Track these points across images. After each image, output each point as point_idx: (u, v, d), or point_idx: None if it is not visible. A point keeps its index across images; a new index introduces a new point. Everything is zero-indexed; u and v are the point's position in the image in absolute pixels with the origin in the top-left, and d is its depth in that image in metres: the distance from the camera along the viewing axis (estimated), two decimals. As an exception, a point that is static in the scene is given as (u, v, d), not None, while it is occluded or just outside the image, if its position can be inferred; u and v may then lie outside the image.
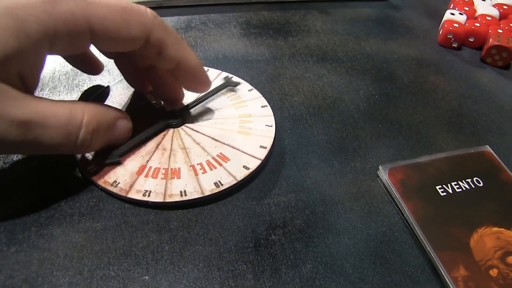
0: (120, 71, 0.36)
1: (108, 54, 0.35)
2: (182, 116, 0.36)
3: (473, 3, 0.57)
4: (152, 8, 0.49)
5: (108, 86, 0.39)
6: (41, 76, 0.38)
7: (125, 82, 0.38)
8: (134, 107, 0.37)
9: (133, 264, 0.27)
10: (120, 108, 0.36)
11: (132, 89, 0.38)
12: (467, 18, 0.53)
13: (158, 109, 0.37)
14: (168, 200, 0.30)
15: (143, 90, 0.37)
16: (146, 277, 0.27)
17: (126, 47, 0.28)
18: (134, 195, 0.30)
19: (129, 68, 0.36)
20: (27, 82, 0.26)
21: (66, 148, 0.27)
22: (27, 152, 0.27)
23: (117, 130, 0.31)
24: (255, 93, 0.40)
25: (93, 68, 0.37)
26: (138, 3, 0.48)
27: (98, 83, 0.39)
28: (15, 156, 0.32)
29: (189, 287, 0.26)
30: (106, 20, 0.26)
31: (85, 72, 0.38)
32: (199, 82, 0.34)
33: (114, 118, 0.30)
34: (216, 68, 0.42)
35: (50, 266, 0.27)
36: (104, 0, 0.26)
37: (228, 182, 0.32)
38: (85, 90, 0.38)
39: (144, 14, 0.28)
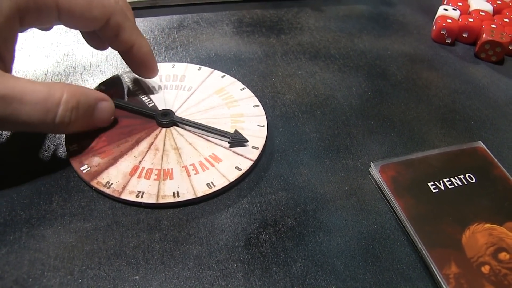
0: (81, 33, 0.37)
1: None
2: (173, 115, 0.36)
3: (466, -2, 0.57)
4: (145, 7, 0.50)
5: (100, 84, 0.38)
6: (34, 77, 0.38)
7: (114, 81, 0.39)
8: (125, 106, 0.37)
9: (124, 264, 0.27)
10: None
11: (124, 89, 0.38)
12: (461, 14, 0.53)
13: (149, 108, 0.37)
14: (161, 201, 0.30)
15: (100, 49, 0.38)
16: (137, 276, 0.27)
17: (87, 26, 0.31)
18: (127, 196, 0.30)
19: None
20: (3, 57, 0.27)
21: (45, 126, 0.28)
22: (6, 128, 0.28)
23: (98, 111, 0.31)
24: (247, 92, 0.39)
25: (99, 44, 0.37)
26: (130, 2, 0.48)
27: (90, 83, 0.39)
28: (6, 156, 0.32)
29: (179, 287, 0.26)
30: (72, 1, 0.28)
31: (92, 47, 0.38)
32: (147, 67, 0.36)
33: (96, 99, 0.31)
34: (209, 66, 0.42)
35: (41, 267, 0.27)
36: None
37: (220, 183, 0.32)
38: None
39: None
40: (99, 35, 0.33)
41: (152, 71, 0.37)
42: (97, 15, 0.30)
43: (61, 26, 0.36)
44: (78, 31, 0.36)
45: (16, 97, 0.26)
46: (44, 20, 0.28)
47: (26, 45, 0.43)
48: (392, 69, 0.46)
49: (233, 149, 0.34)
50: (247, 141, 0.34)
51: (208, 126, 0.35)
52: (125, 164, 0.32)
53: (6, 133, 0.34)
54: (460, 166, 0.35)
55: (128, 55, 0.34)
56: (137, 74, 0.37)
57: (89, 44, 0.37)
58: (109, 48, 0.37)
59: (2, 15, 0.25)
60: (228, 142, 0.34)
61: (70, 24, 0.31)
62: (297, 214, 0.31)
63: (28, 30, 0.39)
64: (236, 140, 0.34)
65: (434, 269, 0.28)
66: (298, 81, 0.43)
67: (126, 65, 0.36)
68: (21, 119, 0.26)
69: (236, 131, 0.35)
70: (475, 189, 0.33)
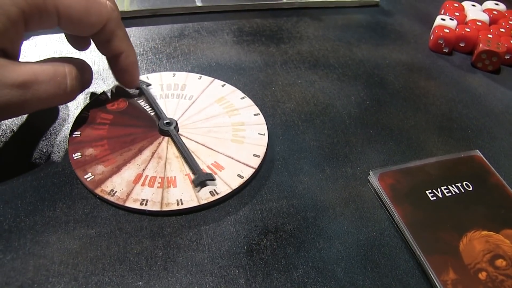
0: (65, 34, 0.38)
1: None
2: (176, 123, 0.36)
3: (463, 8, 0.58)
4: (146, 16, 0.50)
5: (102, 93, 0.39)
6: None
7: (116, 90, 0.39)
8: (127, 114, 0.37)
9: (127, 270, 0.28)
10: (113, 114, 0.37)
11: (125, 97, 0.39)
12: (458, 24, 0.54)
13: (151, 117, 0.37)
14: (165, 209, 0.31)
15: (79, 49, 0.39)
16: (140, 282, 0.27)
17: (85, 32, 0.33)
18: (131, 204, 0.31)
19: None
20: (11, 55, 0.30)
21: (60, 97, 0.32)
22: (30, 110, 0.31)
23: (86, 73, 0.35)
24: (248, 101, 0.40)
25: (80, 45, 0.39)
26: (132, 11, 0.49)
27: (93, 91, 0.40)
28: (10, 164, 0.33)
29: (182, 293, 0.27)
30: (71, 7, 0.30)
31: (74, 48, 0.39)
32: (130, 76, 0.37)
33: (83, 64, 0.34)
34: (209, 75, 0.43)
35: (46, 273, 0.27)
36: None
37: (223, 190, 0.32)
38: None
39: (103, 5, 0.32)
40: (93, 40, 0.35)
41: (133, 81, 0.38)
42: (94, 21, 0.32)
43: (64, 35, 0.37)
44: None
45: (33, 80, 0.29)
46: (45, 24, 0.31)
47: (29, 53, 0.43)
48: (390, 78, 0.47)
49: (235, 156, 0.35)
50: (214, 179, 0.33)
51: (188, 155, 0.34)
52: (129, 172, 0.32)
53: (11, 141, 0.34)
54: (457, 174, 0.35)
55: (114, 61, 0.36)
56: (118, 82, 0.38)
57: (70, 44, 0.38)
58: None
59: (10, 20, 0.28)
60: (193, 181, 0.33)
61: (68, 29, 0.33)
62: (298, 221, 0.32)
63: (31, 38, 0.40)
64: (202, 180, 0.32)
65: (432, 276, 0.29)
66: (298, 90, 0.43)
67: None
68: (41, 97, 0.30)
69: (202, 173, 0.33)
70: (472, 197, 0.34)
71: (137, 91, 0.40)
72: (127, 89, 0.40)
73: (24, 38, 0.31)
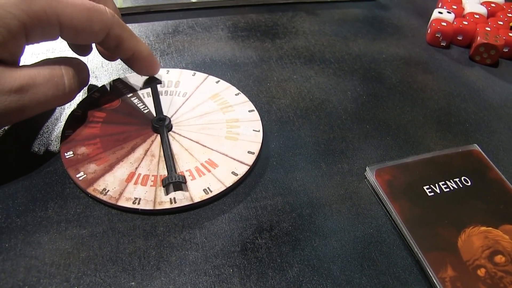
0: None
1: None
2: (169, 121, 0.36)
3: (461, 1, 0.57)
4: (140, 13, 0.50)
5: (95, 91, 0.39)
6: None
7: (108, 87, 0.39)
8: (121, 112, 0.37)
9: (120, 270, 0.27)
10: (106, 111, 0.37)
11: (118, 95, 0.38)
12: (455, 17, 0.53)
13: (144, 114, 0.37)
14: (158, 207, 0.30)
15: (83, 55, 0.39)
16: (133, 283, 0.27)
17: (88, 40, 0.33)
18: (124, 203, 0.30)
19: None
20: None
21: (59, 98, 0.31)
22: (30, 114, 0.30)
23: (83, 72, 0.34)
24: (242, 97, 0.39)
25: (82, 51, 0.39)
26: (125, 8, 0.48)
27: (85, 89, 0.39)
28: (1, 163, 0.32)
29: (175, 293, 0.27)
30: (73, 18, 0.30)
31: (76, 53, 0.39)
32: (149, 68, 0.38)
33: (79, 63, 0.34)
34: (204, 72, 0.42)
35: (37, 274, 0.27)
36: (72, 1, 0.30)
37: (217, 188, 0.32)
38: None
39: (104, 13, 0.32)
40: (101, 47, 0.35)
41: (154, 71, 0.39)
42: (97, 30, 0.32)
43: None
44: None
45: (30, 83, 0.29)
46: (47, 36, 0.30)
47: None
48: (387, 72, 0.46)
49: (229, 154, 0.34)
50: (184, 182, 0.32)
51: (168, 156, 0.33)
52: (122, 170, 0.32)
53: (1, 140, 0.34)
54: (455, 169, 0.35)
55: (129, 61, 0.36)
56: (141, 75, 0.39)
57: (72, 50, 0.38)
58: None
59: (11, 33, 0.28)
60: (162, 181, 0.32)
61: (71, 39, 0.32)
62: (293, 218, 0.31)
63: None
64: (171, 181, 0.31)
65: (430, 273, 0.28)
66: (293, 85, 0.43)
67: (121, 72, 0.36)
68: (40, 100, 0.30)
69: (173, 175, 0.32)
70: (471, 192, 0.33)
71: (134, 89, 0.39)
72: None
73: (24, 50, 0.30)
